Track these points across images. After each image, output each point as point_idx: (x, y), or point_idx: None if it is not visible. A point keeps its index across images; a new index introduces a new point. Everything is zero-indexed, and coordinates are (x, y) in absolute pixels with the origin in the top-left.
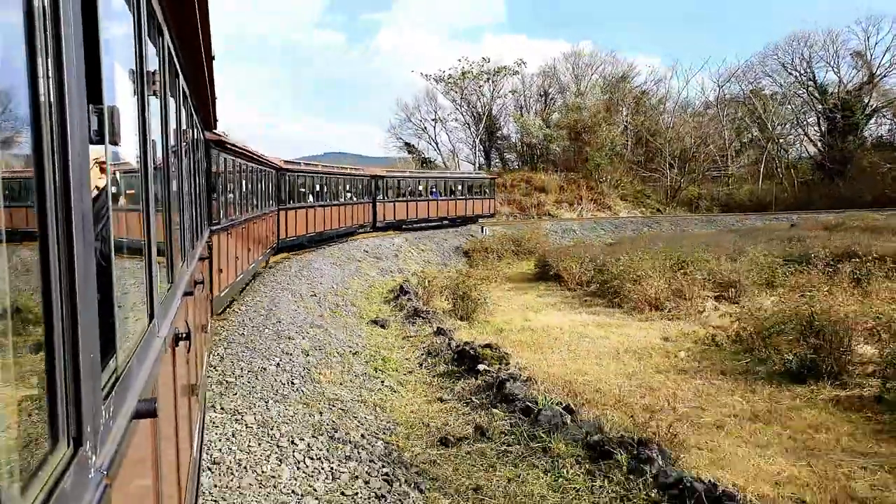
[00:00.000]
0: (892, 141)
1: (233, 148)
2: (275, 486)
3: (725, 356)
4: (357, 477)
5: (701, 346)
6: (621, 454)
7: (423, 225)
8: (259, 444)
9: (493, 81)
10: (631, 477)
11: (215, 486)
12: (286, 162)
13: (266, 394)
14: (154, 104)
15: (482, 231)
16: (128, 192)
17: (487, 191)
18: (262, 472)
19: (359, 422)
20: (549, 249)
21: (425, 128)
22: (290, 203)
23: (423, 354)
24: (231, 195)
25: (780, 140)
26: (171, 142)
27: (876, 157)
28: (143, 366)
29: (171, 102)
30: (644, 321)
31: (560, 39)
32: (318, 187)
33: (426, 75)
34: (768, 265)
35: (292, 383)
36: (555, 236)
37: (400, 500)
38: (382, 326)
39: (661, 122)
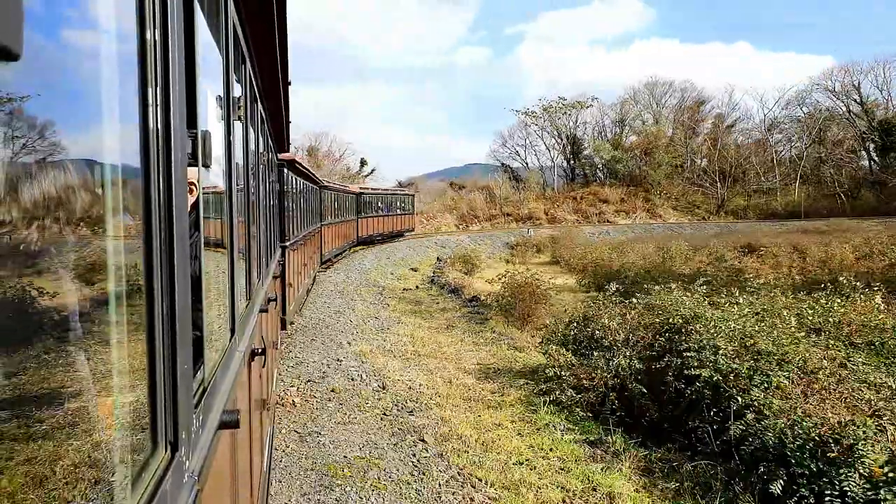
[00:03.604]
0: None
1: (299, 167)
2: (345, 280)
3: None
4: (369, 293)
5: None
6: (450, 290)
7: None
8: (340, 275)
9: (569, 114)
10: (451, 296)
11: (329, 279)
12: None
13: (349, 272)
14: (238, 128)
15: (528, 232)
16: (214, 212)
17: (410, 207)
18: (339, 278)
19: (378, 284)
20: (568, 245)
21: (518, 151)
22: (328, 219)
23: (425, 280)
24: (296, 213)
25: (824, 157)
26: (251, 164)
27: (892, 173)
28: (226, 379)
29: (251, 127)
30: (573, 275)
31: (715, 42)
32: (336, 203)
33: (517, 111)
34: (678, 252)
35: (359, 274)
36: (591, 236)
37: (381, 297)
38: (415, 270)
39: (730, 142)
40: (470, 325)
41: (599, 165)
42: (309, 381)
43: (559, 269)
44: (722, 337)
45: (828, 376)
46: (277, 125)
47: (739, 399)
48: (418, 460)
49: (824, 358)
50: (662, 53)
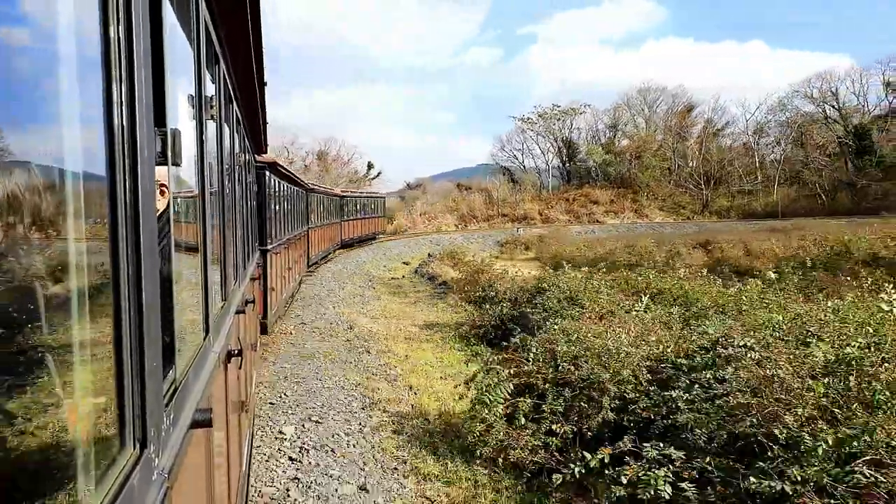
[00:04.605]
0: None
1: (281, 170)
2: (341, 270)
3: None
4: (360, 279)
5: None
6: (428, 278)
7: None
8: (338, 265)
9: (563, 120)
10: (428, 282)
11: (329, 269)
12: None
13: (346, 264)
14: (211, 128)
15: (517, 231)
16: (186, 213)
17: (381, 210)
18: (337, 268)
19: (370, 274)
20: (550, 243)
21: (515, 155)
22: (314, 222)
23: (412, 271)
24: (280, 216)
25: (804, 160)
26: (226, 165)
27: (864, 175)
28: (200, 378)
29: (226, 127)
30: (544, 267)
31: (727, 41)
32: (321, 207)
33: (514, 117)
34: (643, 247)
35: (355, 265)
36: (577, 235)
37: (369, 282)
38: (406, 263)
39: (714, 146)
40: (433, 300)
41: (593, 168)
42: (302, 323)
43: (540, 263)
44: (555, 292)
45: (609, 311)
46: (254, 126)
47: (547, 323)
48: (361, 357)
49: (611, 302)
50: (675, 52)
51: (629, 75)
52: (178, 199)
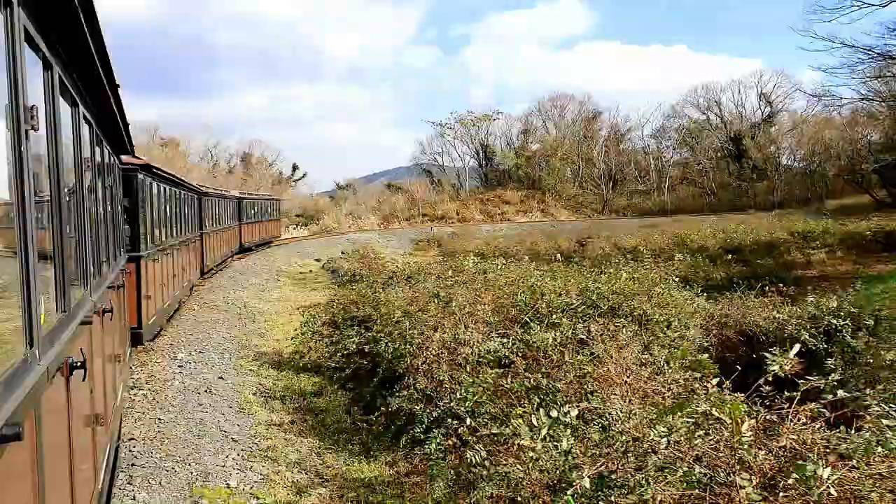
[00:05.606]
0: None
1: (160, 173)
2: (252, 267)
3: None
4: (268, 274)
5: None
6: (331, 271)
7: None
8: (250, 262)
9: (479, 126)
10: (331, 275)
11: (241, 263)
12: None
13: (257, 261)
14: (36, 136)
15: (430, 230)
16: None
17: (277, 213)
18: (249, 264)
19: (280, 269)
20: (457, 240)
21: (436, 158)
22: (209, 227)
23: (320, 266)
24: (159, 221)
25: (693, 163)
26: (62, 171)
27: (739, 177)
28: (13, 392)
29: (66, 132)
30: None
31: (654, 44)
32: (217, 210)
33: (433, 123)
34: (533, 242)
35: (267, 262)
36: (487, 233)
37: (277, 276)
38: (318, 260)
39: (612, 150)
40: (327, 288)
41: (506, 171)
42: (205, 303)
43: (445, 257)
44: (407, 268)
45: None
46: (113, 129)
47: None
48: (245, 323)
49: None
50: (604, 55)
51: (559, 77)
52: None
